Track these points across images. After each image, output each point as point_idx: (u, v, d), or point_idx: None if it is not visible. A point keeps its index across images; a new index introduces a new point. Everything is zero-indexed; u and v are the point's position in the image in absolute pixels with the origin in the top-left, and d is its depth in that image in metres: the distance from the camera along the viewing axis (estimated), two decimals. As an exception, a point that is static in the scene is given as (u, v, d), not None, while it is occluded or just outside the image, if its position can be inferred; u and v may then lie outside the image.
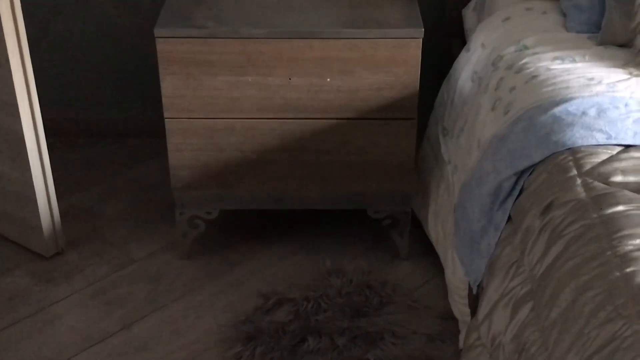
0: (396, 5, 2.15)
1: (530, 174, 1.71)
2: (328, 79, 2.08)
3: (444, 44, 2.60)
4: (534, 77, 1.91)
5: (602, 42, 2.01)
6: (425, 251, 2.34)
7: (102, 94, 2.84)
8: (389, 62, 2.06)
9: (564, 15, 2.12)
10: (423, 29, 2.04)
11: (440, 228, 2.21)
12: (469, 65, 2.19)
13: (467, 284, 1.92)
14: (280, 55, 2.05)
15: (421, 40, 2.04)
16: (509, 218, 1.75)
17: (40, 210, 2.28)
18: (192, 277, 2.30)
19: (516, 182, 1.74)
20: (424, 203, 2.32)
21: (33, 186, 2.24)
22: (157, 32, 2.03)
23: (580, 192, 1.56)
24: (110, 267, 2.34)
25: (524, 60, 1.99)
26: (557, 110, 1.75)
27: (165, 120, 2.14)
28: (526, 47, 2.04)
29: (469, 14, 2.48)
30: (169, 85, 2.09)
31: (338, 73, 2.07)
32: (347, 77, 2.08)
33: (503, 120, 1.87)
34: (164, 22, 2.06)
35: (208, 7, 2.15)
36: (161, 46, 2.04)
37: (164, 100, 2.11)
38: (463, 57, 2.24)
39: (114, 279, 2.29)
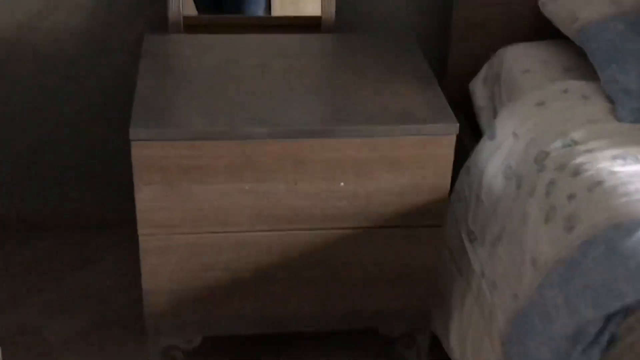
0: (417, 90, 1.80)
1: (625, 316, 1.40)
2: (341, 184, 1.72)
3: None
4: (598, 183, 1.60)
5: (662, 135, 1.73)
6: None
7: (46, 179, 2.39)
8: (415, 162, 1.71)
9: (611, 100, 1.83)
10: (458, 124, 1.70)
11: (468, 349, 1.87)
12: (497, 157, 1.87)
13: None
14: (285, 157, 1.68)
15: (455, 136, 1.71)
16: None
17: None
18: (170, 420, 1.89)
19: (604, 326, 1.42)
20: (444, 318, 1.97)
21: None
22: (133, 133, 1.62)
23: None
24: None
25: (577, 160, 1.68)
26: (645, 233, 1.45)
27: (140, 238, 1.73)
28: (575, 142, 1.73)
29: (478, 87, 2.17)
30: (146, 197, 1.68)
31: (353, 176, 1.71)
32: (364, 180, 1.72)
33: (568, 240, 1.55)
34: (140, 120, 1.65)
35: (191, 97, 1.75)
36: (137, 151, 1.63)
37: (138, 214, 1.70)
38: (486, 145, 1.91)
39: None
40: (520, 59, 2.08)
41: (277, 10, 2.25)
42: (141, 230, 1.72)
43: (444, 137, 1.70)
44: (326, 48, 2.01)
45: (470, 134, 2.18)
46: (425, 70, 1.89)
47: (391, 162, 1.71)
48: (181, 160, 1.65)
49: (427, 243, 1.80)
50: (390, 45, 2.00)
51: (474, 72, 2.22)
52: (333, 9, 2.12)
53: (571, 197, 1.61)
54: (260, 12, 2.25)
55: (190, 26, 2.12)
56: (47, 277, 2.28)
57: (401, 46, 2.00)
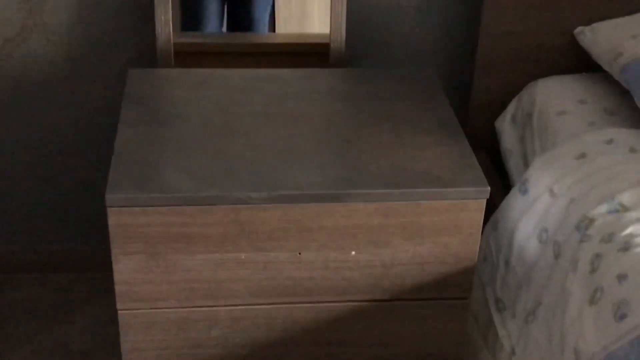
0: (440, 144, 1.56)
1: None
2: (353, 253, 1.49)
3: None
4: (654, 262, 1.36)
5: None
6: None
7: (22, 218, 2.16)
8: (438, 229, 1.48)
9: (663, 155, 1.60)
10: (489, 188, 1.47)
11: None
12: (531, 216, 1.63)
13: None
14: (287, 224, 1.44)
15: (485, 201, 1.48)
16: None
17: None
18: None
19: None
20: (467, 393, 1.75)
21: None
22: (111, 199, 1.38)
23: None
24: None
25: (627, 231, 1.44)
26: None
27: (119, 313, 1.50)
28: (625, 208, 1.49)
29: (506, 127, 1.93)
30: (126, 269, 1.45)
31: (367, 244, 1.48)
32: (379, 249, 1.49)
33: (618, 331, 1.32)
34: (118, 183, 1.41)
35: (179, 153, 1.50)
36: (115, 218, 1.40)
37: (117, 287, 1.47)
38: (517, 200, 1.68)
39: None
40: (554, 98, 1.84)
41: (281, 28, 2.02)
42: (120, 305, 1.49)
43: (472, 202, 1.46)
44: (335, 88, 1.76)
45: (496, 177, 1.95)
46: (450, 117, 1.65)
47: (411, 229, 1.47)
48: (167, 228, 1.42)
49: (450, 317, 1.57)
50: (409, 84, 1.75)
51: (500, 107, 1.99)
52: (343, 37, 1.88)
53: (621, 277, 1.38)
54: (265, 29, 2.01)
55: (181, 52, 1.88)
56: (18, 332, 2.04)
57: (421, 86, 1.75)
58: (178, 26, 1.96)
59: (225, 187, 1.42)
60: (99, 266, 2.16)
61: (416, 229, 1.48)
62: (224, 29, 2.04)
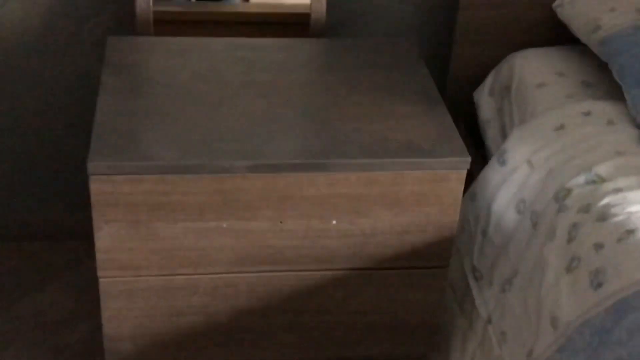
0: (421, 114, 1.56)
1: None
2: (333, 222, 1.50)
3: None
4: (630, 232, 1.38)
5: (698, 172, 1.52)
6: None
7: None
8: (418, 199, 1.49)
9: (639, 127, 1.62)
10: (469, 158, 1.48)
11: (471, 399, 1.68)
12: (508, 187, 1.65)
13: None
14: (269, 193, 1.45)
15: (466, 171, 1.49)
16: None
17: None
18: None
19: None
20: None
21: None
22: (93, 167, 1.38)
23: None
24: None
25: (604, 201, 1.47)
26: (690, 302, 1.24)
27: (100, 280, 1.50)
28: (601, 179, 1.52)
29: (484, 98, 1.94)
30: (107, 237, 1.44)
31: (348, 214, 1.49)
32: (359, 218, 1.50)
33: (595, 299, 1.35)
34: (100, 151, 1.40)
35: (160, 122, 1.49)
36: (97, 186, 1.39)
37: (98, 255, 1.47)
38: (495, 171, 1.70)
39: None
40: (533, 70, 1.85)
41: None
42: (101, 272, 1.49)
43: (453, 172, 1.48)
44: (316, 58, 1.76)
45: (474, 147, 1.96)
46: (430, 87, 1.66)
47: (391, 199, 1.49)
48: (149, 196, 1.42)
49: (429, 286, 1.59)
50: (389, 54, 1.76)
51: (478, 78, 2.00)
52: (324, 7, 1.87)
53: (598, 246, 1.41)
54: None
55: (160, 21, 1.87)
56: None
57: (401, 56, 1.76)
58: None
59: (208, 156, 1.42)
60: (73, 236, 2.16)
61: (397, 199, 1.49)
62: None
